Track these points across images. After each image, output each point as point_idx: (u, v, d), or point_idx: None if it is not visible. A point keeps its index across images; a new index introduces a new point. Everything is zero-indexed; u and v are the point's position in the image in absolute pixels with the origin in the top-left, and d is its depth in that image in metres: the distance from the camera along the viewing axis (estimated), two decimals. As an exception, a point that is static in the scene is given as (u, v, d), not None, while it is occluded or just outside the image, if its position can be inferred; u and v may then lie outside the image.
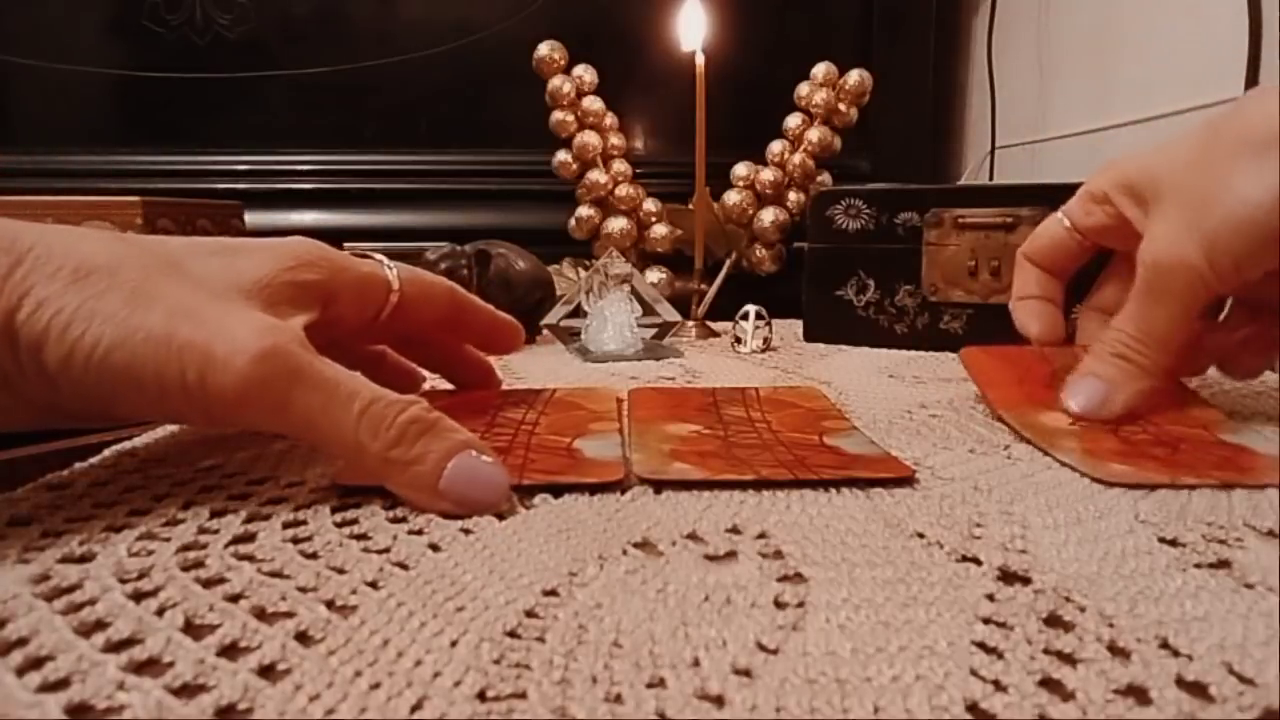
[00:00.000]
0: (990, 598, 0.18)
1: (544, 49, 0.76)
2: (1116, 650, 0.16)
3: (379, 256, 0.31)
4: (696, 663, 0.15)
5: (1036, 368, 0.37)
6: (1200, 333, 0.34)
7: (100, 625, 0.17)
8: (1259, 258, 0.30)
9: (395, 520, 0.23)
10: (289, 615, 0.17)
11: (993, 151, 0.99)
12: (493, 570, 0.19)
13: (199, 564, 0.20)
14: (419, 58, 1.14)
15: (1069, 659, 0.15)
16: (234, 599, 0.18)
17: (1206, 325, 0.35)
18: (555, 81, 0.75)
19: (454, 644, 0.16)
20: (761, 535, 0.22)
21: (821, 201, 0.57)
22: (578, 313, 0.57)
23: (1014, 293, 0.39)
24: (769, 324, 0.57)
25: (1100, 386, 0.32)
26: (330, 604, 0.18)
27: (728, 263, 0.76)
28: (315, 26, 1.13)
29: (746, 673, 0.15)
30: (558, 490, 0.25)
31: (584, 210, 0.79)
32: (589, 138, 0.76)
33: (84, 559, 0.20)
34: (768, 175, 0.77)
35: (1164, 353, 0.32)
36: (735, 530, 0.22)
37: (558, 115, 0.76)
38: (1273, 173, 0.29)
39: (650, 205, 0.79)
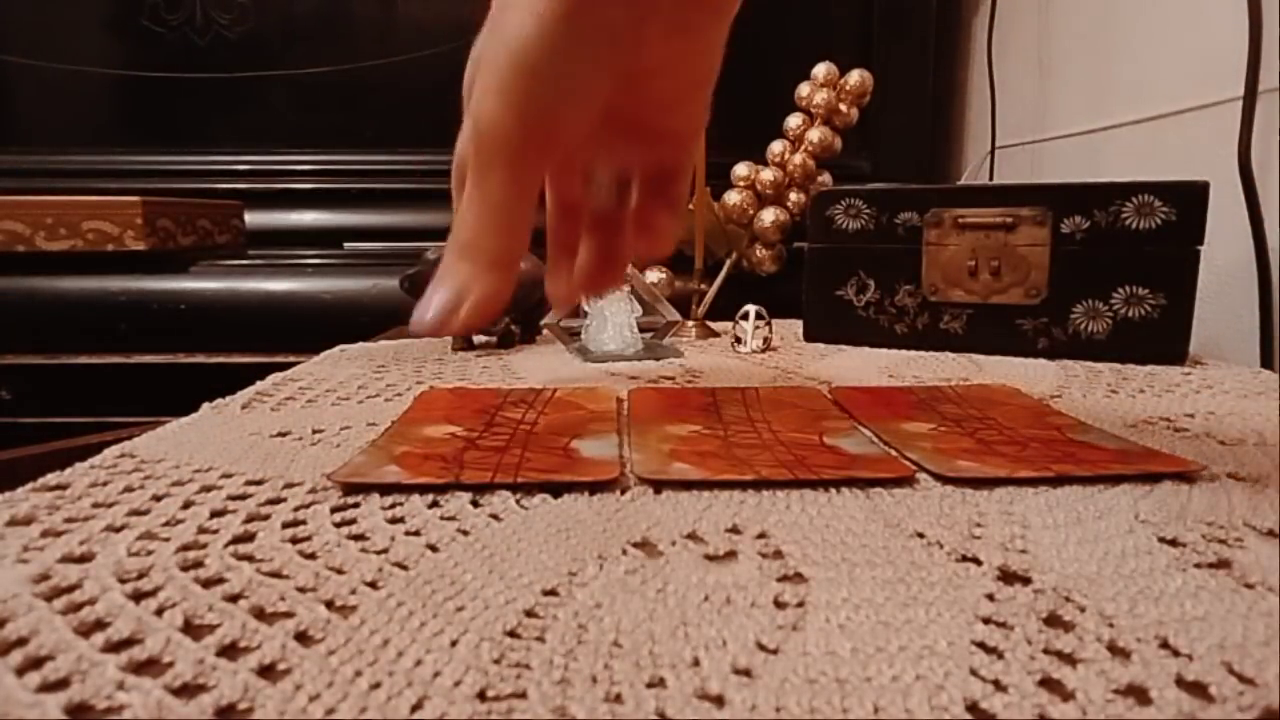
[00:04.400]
0: (990, 598, 0.18)
1: (544, 49, 0.76)
2: (1116, 650, 0.16)
3: None
4: (696, 663, 0.15)
5: (900, 396, 0.39)
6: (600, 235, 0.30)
7: (100, 625, 0.17)
8: (553, 92, 0.24)
9: (394, 520, 0.23)
10: (288, 615, 0.17)
11: (993, 151, 0.99)
12: (492, 570, 0.19)
13: (198, 564, 0.20)
14: (419, 58, 1.14)
15: (1069, 659, 0.15)
16: (233, 599, 0.18)
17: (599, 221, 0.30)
18: (555, 81, 0.75)
19: (454, 644, 0.16)
20: (761, 535, 0.22)
21: (821, 201, 0.57)
22: (577, 313, 0.57)
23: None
24: (769, 324, 0.57)
25: (447, 294, 0.25)
26: (330, 604, 0.18)
27: (728, 263, 0.76)
28: (315, 26, 1.13)
29: (746, 673, 0.15)
30: (556, 490, 0.25)
31: (584, 210, 0.79)
32: (589, 138, 0.76)
33: (84, 559, 0.20)
34: (768, 175, 0.77)
35: (508, 235, 0.26)
36: (735, 530, 0.22)
37: (558, 115, 0.76)
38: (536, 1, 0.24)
39: (650, 205, 0.79)
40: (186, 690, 0.15)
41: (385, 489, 0.25)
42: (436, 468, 0.27)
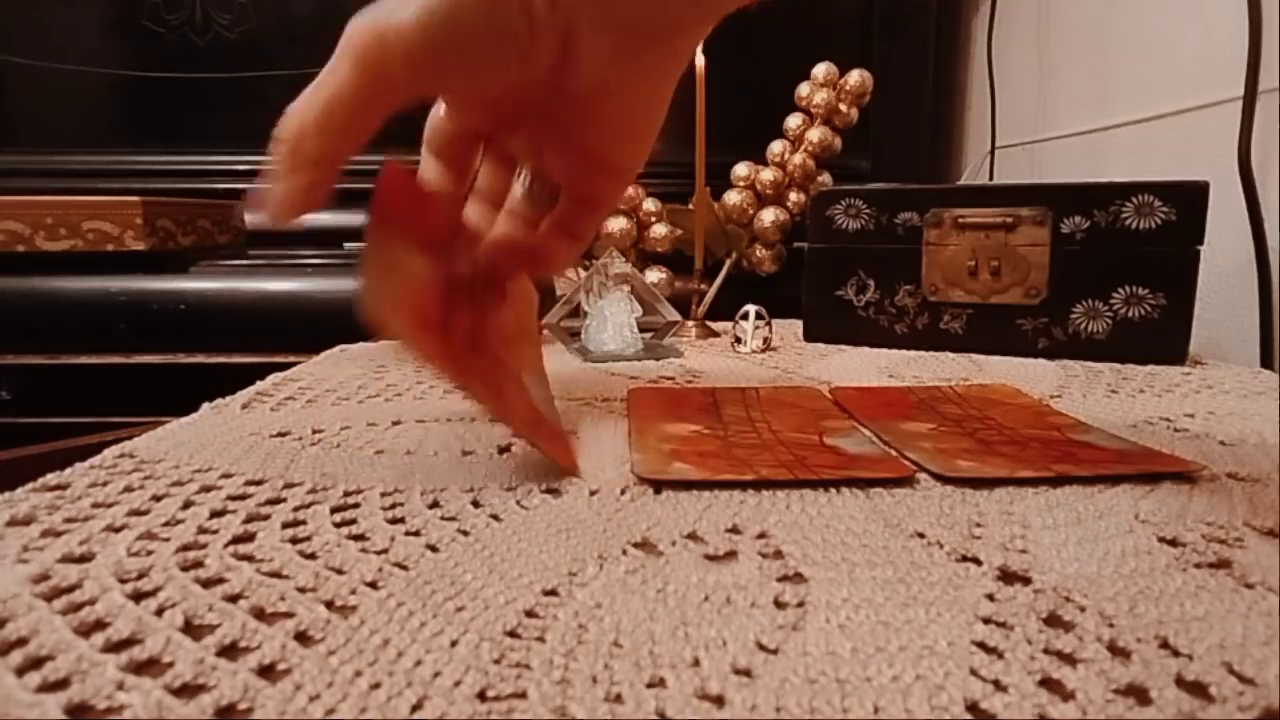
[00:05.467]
0: (990, 598, 0.18)
1: (544, 49, 0.76)
2: (1116, 650, 0.16)
3: None
4: (696, 663, 0.15)
5: (900, 396, 0.39)
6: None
7: (100, 625, 0.17)
8: (445, 49, 0.24)
9: (394, 521, 0.23)
10: (288, 615, 0.17)
11: (993, 151, 0.99)
12: (492, 570, 0.19)
13: (198, 564, 0.20)
14: (419, 58, 1.14)
15: (1069, 659, 0.15)
16: (233, 599, 0.18)
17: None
18: (555, 81, 0.75)
19: (454, 644, 0.16)
20: (761, 535, 0.22)
21: (821, 201, 0.57)
22: (577, 313, 0.57)
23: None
24: (769, 324, 0.57)
25: (269, 186, 0.25)
26: (330, 604, 0.18)
27: (728, 263, 0.76)
28: (315, 26, 1.13)
29: (746, 673, 0.15)
30: (556, 490, 0.25)
31: (584, 210, 0.79)
32: (589, 138, 0.76)
33: (84, 559, 0.20)
34: (768, 175, 0.77)
35: (329, 135, 0.25)
36: (735, 530, 0.22)
37: (558, 115, 0.76)
38: None
39: (650, 205, 0.79)
40: (186, 690, 0.15)
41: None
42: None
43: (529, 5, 0.24)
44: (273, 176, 0.25)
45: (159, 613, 0.17)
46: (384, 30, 0.24)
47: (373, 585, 0.19)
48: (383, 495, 0.25)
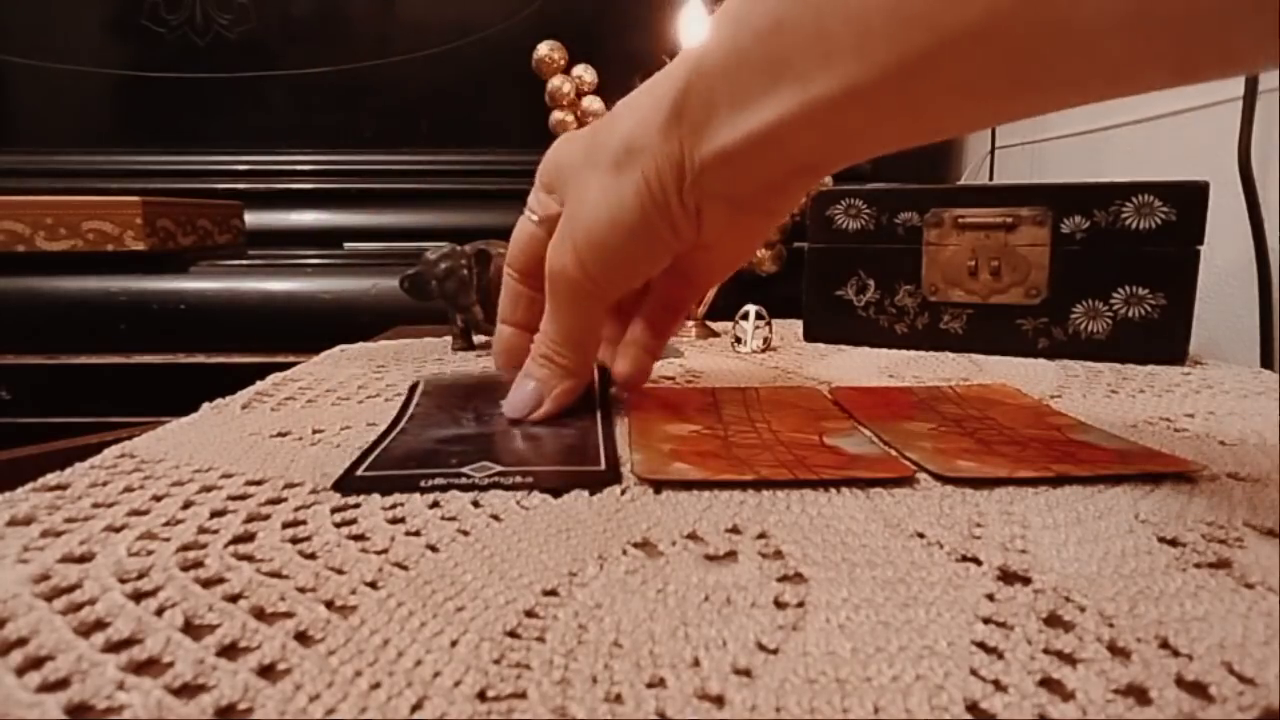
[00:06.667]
0: (990, 598, 0.18)
1: (544, 49, 0.76)
2: (1116, 650, 0.16)
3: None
4: (696, 663, 0.15)
5: (900, 396, 0.39)
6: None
7: (100, 625, 0.17)
8: (617, 271, 0.31)
9: (394, 521, 0.23)
10: (288, 615, 0.17)
11: (993, 151, 0.99)
12: (492, 570, 0.19)
13: (198, 564, 0.20)
14: (419, 58, 1.14)
15: (1069, 659, 0.15)
16: (233, 599, 0.18)
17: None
18: (555, 81, 0.75)
19: (454, 644, 0.16)
20: (761, 535, 0.22)
21: (821, 201, 0.57)
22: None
23: (499, 314, 0.38)
24: (769, 324, 0.57)
25: (533, 389, 0.33)
26: (330, 604, 0.18)
27: (728, 263, 0.76)
28: (315, 26, 1.13)
29: (746, 673, 0.15)
30: (557, 491, 0.25)
31: (584, 210, 0.79)
32: (589, 138, 0.76)
33: (84, 559, 0.20)
34: (768, 175, 0.77)
35: (581, 352, 0.33)
36: (735, 530, 0.22)
37: (558, 115, 0.76)
38: (605, 193, 0.29)
39: (650, 205, 0.79)
40: (186, 690, 0.15)
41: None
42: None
43: (668, 212, 0.29)
44: (531, 386, 0.33)
45: (159, 613, 0.17)
46: (598, 283, 0.31)
47: (373, 585, 0.19)
48: (383, 495, 0.25)
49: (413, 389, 0.38)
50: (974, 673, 0.15)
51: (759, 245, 0.33)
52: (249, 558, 0.20)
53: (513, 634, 0.16)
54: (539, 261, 0.33)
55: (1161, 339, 0.48)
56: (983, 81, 0.22)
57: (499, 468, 0.27)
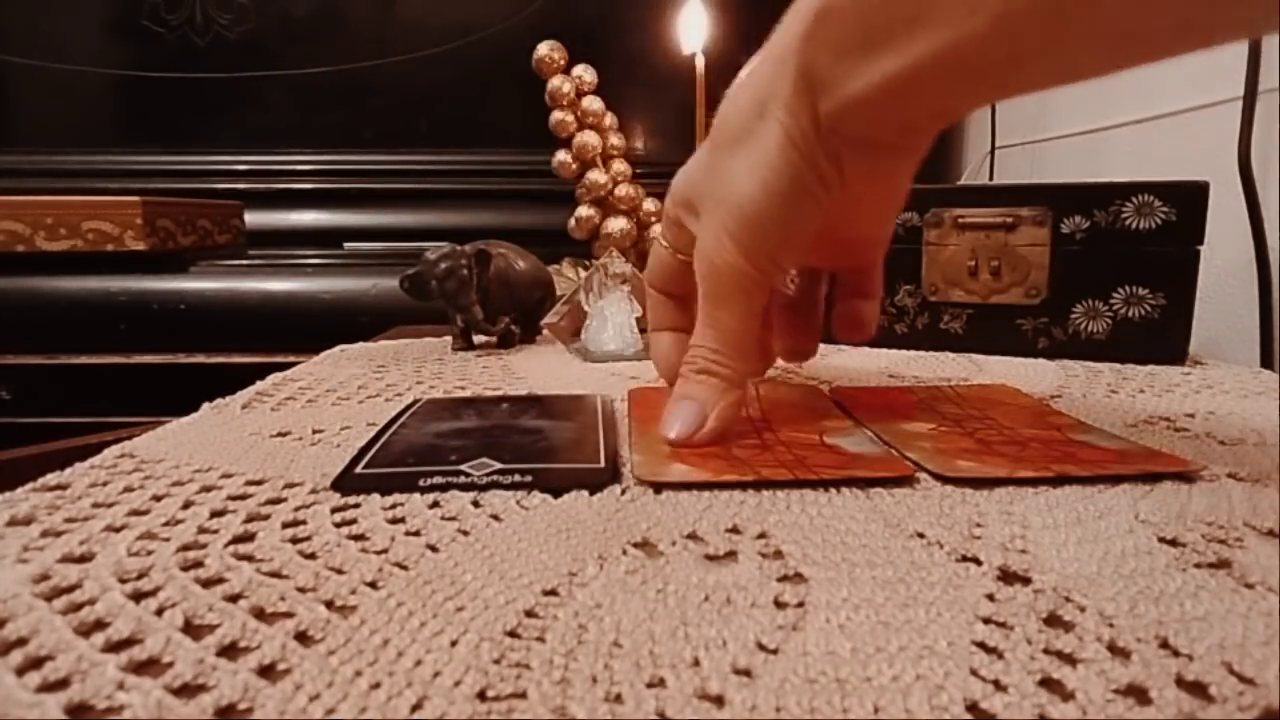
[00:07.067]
0: (990, 598, 0.18)
1: (544, 49, 0.76)
2: (1116, 650, 0.16)
3: None
4: (696, 663, 0.15)
5: (900, 396, 0.39)
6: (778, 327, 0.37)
7: (100, 625, 0.17)
8: (779, 244, 0.30)
9: (394, 521, 0.23)
10: (288, 615, 0.17)
11: (993, 151, 0.99)
12: (492, 570, 0.19)
13: (198, 564, 0.20)
14: (419, 58, 1.14)
15: (1069, 659, 0.15)
16: (233, 599, 0.18)
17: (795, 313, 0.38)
18: (555, 81, 0.75)
19: (454, 644, 0.16)
20: (761, 535, 0.22)
21: (821, 201, 0.57)
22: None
23: (649, 324, 0.39)
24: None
25: (694, 407, 0.30)
26: (330, 604, 0.18)
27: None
28: (315, 26, 1.13)
29: (746, 673, 0.15)
30: (556, 490, 0.25)
31: (584, 210, 0.79)
32: (589, 138, 0.76)
33: (84, 559, 0.20)
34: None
35: (742, 358, 0.31)
36: (735, 530, 0.22)
37: (558, 115, 0.76)
38: (748, 161, 0.29)
39: (650, 205, 0.79)
40: (186, 690, 0.15)
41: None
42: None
43: (815, 162, 0.28)
44: (692, 405, 0.31)
45: (159, 613, 0.17)
46: (762, 268, 0.30)
47: (373, 585, 0.19)
48: (382, 495, 0.25)
49: (413, 403, 0.37)
50: (974, 673, 0.15)
51: (907, 188, 0.32)
52: (249, 558, 0.20)
53: (513, 634, 0.16)
54: (679, 278, 0.34)
55: (1161, 339, 0.48)
56: (1140, 22, 0.21)
57: (498, 465, 0.27)
